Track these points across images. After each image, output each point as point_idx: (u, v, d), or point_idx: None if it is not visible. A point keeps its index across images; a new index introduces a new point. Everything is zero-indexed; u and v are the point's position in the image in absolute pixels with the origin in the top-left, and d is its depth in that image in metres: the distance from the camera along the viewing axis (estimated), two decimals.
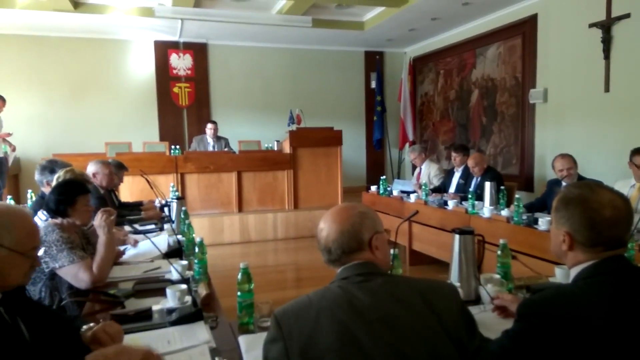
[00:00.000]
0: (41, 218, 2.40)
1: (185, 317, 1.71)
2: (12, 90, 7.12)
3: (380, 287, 1.18)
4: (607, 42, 4.82)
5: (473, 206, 4.10)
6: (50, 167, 3.20)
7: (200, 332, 1.63)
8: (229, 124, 8.20)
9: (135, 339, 1.55)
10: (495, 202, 4.13)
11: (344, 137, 6.85)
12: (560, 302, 1.20)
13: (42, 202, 2.73)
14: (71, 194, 2.33)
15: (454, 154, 5.39)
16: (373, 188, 5.81)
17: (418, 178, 5.93)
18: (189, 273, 2.24)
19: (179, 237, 2.93)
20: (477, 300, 1.93)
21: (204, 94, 8.50)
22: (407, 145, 8.79)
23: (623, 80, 4.75)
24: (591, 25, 4.95)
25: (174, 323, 1.70)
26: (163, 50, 8.23)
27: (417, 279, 1.27)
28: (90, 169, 3.82)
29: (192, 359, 1.46)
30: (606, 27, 4.82)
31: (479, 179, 4.84)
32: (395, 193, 5.36)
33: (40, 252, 1.47)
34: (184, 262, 2.33)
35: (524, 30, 6.37)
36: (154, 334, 1.50)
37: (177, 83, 8.33)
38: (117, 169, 4.27)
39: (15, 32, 7.38)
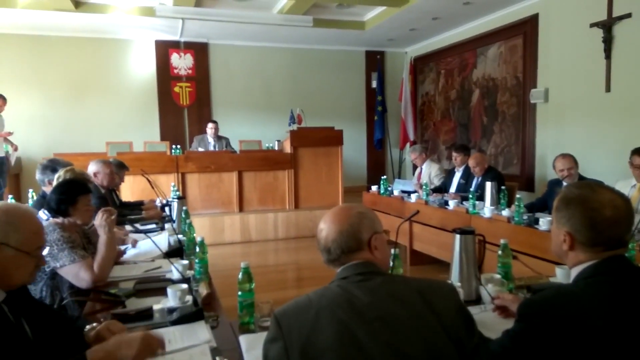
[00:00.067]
0: (42, 217, 2.40)
1: (186, 316, 1.72)
2: (13, 89, 7.12)
3: (380, 286, 1.18)
4: (608, 42, 4.82)
5: (474, 206, 4.10)
6: (52, 166, 3.20)
7: (201, 332, 1.64)
8: (229, 123, 8.21)
9: None
10: (496, 202, 4.13)
11: (344, 137, 6.85)
12: (560, 302, 1.20)
13: (43, 202, 2.73)
14: (72, 194, 2.33)
15: (454, 154, 5.39)
16: (374, 188, 5.81)
17: (419, 178, 5.93)
18: (189, 272, 2.24)
19: (180, 236, 2.93)
20: (478, 300, 1.93)
21: (205, 94, 8.50)
22: (407, 145, 8.79)
23: (624, 80, 4.74)
24: (592, 25, 4.94)
25: (174, 322, 1.70)
26: (164, 49, 8.23)
27: (416, 278, 1.27)
28: (91, 168, 3.83)
29: (192, 358, 1.46)
30: (607, 26, 4.82)
31: (479, 179, 4.83)
32: (396, 193, 5.36)
33: (45, 252, 1.47)
34: (185, 262, 2.33)
35: (525, 30, 6.36)
36: (154, 334, 1.50)
37: (178, 82, 8.34)
38: (118, 168, 4.28)
39: (16, 31, 7.39)
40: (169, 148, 6.88)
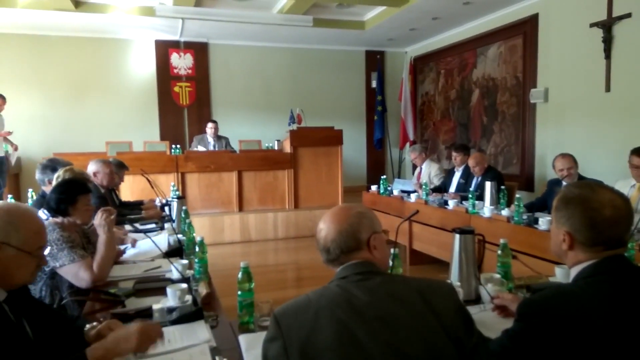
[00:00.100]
0: (42, 217, 2.40)
1: (185, 316, 1.72)
2: (12, 89, 7.13)
3: (379, 286, 1.18)
4: (608, 41, 4.82)
5: (473, 206, 4.10)
6: (52, 165, 3.20)
7: (200, 331, 1.64)
8: (229, 123, 8.21)
9: None
10: (496, 202, 4.13)
11: (344, 136, 6.85)
12: (560, 301, 1.20)
13: (42, 201, 2.73)
14: (72, 193, 2.33)
15: (454, 154, 5.39)
16: (373, 188, 5.81)
17: (418, 178, 5.93)
18: (189, 272, 2.24)
19: (180, 236, 2.93)
20: (478, 300, 1.93)
21: (205, 94, 8.50)
22: (407, 144, 8.79)
23: (624, 80, 4.75)
24: (592, 25, 4.94)
25: (174, 322, 1.70)
26: (164, 49, 8.23)
27: (415, 278, 1.27)
28: (91, 168, 3.83)
29: (192, 358, 1.46)
30: (607, 26, 4.82)
31: (479, 179, 4.83)
32: (395, 193, 5.36)
33: (46, 252, 1.47)
34: (185, 261, 2.33)
35: (525, 30, 6.36)
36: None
37: (177, 82, 8.34)
38: (118, 168, 4.28)
39: (16, 31, 7.38)
40: (168, 148, 6.88)
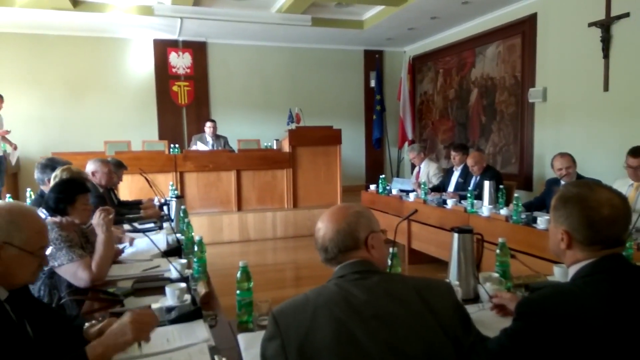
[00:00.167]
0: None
1: (184, 315, 1.72)
2: (11, 88, 7.12)
3: (377, 284, 1.18)
4: (606, 41, 4.82)
5: (472, 205, 4.11)
6: (52, 165, 3.19)
7: (199, 331, 1.64)
8: (228, 122, 8.20)
9: None
10: (494, 201, 4.13)
11: (343, 136, 6.85)
12: (558, 300, 1.20)
13: (41, 201, 2.72)
14: (71, 193, 2.33)
15: (453, 153, 5.40)
16: (372, 187, 5.82)
17: (417, 177, 5.94)
18: (188, 272, 2.24)
19: (178, 235, 2.93)
20: (476, 299, 1.94)
21: (203, 93, 8.49)
22: (406, 144, 8.80)
23: (622, 80, 4.75)
24: (590, 25, 4.95)
25: (173, 321, 1.70)
26: (162, 48, 8.22)
27: (413, 277, 1.28)
28: (90, 167, 3.82)
29: (191, 357, 1.46)
30: (605, 26, 4.82)
31: (478, 178, 4.84)
32: (394, 192, 5.37)
33: (47, 252, 1.47)
34: (183, 261, 2.33)
35: (524, 30, 6.37)
36: (153, 332, 1.50)
37: (176, 82, 8.33)
38: (116, 167, 4.27)
39: (14, 30, 7.37)
40: (167, 147, 6.87)
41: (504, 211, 3.79)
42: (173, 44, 8.26)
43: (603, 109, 4.95)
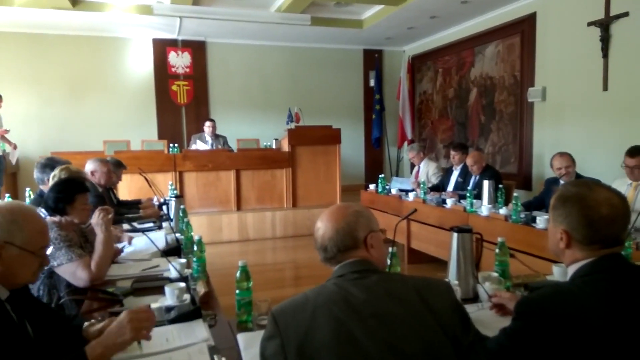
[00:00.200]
0: None
1: (183, 315, 1.72)
2: (10, 88, 7.11)
3: (376, 284, 1.18)
4: (605, 40, 4.83)
5: (471, 204, 4.11)
6: (51, 164, 3.19)
7: (199, 330, 1.64)
8: (227, 122, 8.20)
9: None
10: (494, 201, 4.13)
11: (342, 135, 6.85)
12: (558, 300, 1.20)
13: (40, 200, 2.72)
14: (70, 192, 2.33)
15: (452, 152, 5.40)
16: (372, 186, 5.82)
17: (416, 176, 5.94)
18: (187, 271, 2.24)
19: (178, 235, 2.92)
20: (475, 298, 1.94)
21: (203, 92, 8.49)
22: (405, 143, 8.79)
23: (621, 79, 4.75)
24: (590, 24, 4.95)
25: (172, 321, 1.70)
26: (161, 48, 8.22)
27: (412, 276, 1.28)
28: (89, 167, 3.82)
29: (191, 357, 1.46)
30: (605, 25, 4.83)
31: (477, 178, 4.84)
32: (393, 191, 5.37)
33: (48, 251, 1.47)
34: (183, 260, 2.33)
35: (523, 29, 6.37)
36: (153, 332, 1.50)
37: (175, 81, 8.32)
38: (116, 167, 4.27)
39: (13, 29, 7.36)
40: (166, 147, 6.87)
41: (503, 211, 3.80)
42: (172, 44, 8.25)
43: (602, 109, 4.96)
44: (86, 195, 2.41)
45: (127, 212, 3.98)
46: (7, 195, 4.76)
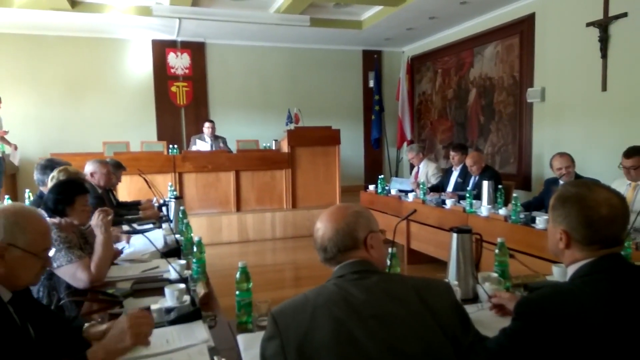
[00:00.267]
0: None
1: (183, 316, 1.71)
2: (9, 89, 7.11)
3: (375, 284, 1.18)
4: (604, 41, 4.83)
5: (471, 205, 4.11)
6: (51, 166, 3.18)
7: (198, 331, 1.63)
8: (227, 123, 8.20)
9: None
10: (493, 201, 4.14)
11: (342, 136, 6.85)
12: (557, 300, 1.21)
13: (40, 202, 2.72)
14: (70, 194, 2.33)
15: (452, 153, 5.40)
16: (371, 187, 5.82)
17: (416, 177, 5.94)
18: (187, 272, 2.24)
19: (177, 236, 2.92)
20: (475, 299, 1.94)
21: (202, 93, 8.49)
22: (405, 144, 8.80)
23: (620, 79, 4.76)
24: (588, 25, 4.96)
25: (172, 322, 1.70)
26: (161, 49, 8.22)
27: (412, 277, 1.28)
28: (88, 168, 3.82)
29: (191, 358, 1.46)
30: (603, 26, 4.83)
31: (476, 178, 4.84)
32: (393, 192, 5.37)
33: (51, 253, 1.47)
34: (183, 262, 2.33)
35: (522, 29, 6.37)
36: (153, 333, 1.50)
37: (174, 82, 8.32)
38: (115, 168, 4.27)
39: (12, 31, 7.36)
40: (166, 148, 6.87)
41: (502, 211, 3.80)
42: (171, 45, 8.25)
43: (601, 109, 4.96)
44: (86, 197, 2.41)
45: (126, 214, 3.97)
46: (6, 196, 4.75)
